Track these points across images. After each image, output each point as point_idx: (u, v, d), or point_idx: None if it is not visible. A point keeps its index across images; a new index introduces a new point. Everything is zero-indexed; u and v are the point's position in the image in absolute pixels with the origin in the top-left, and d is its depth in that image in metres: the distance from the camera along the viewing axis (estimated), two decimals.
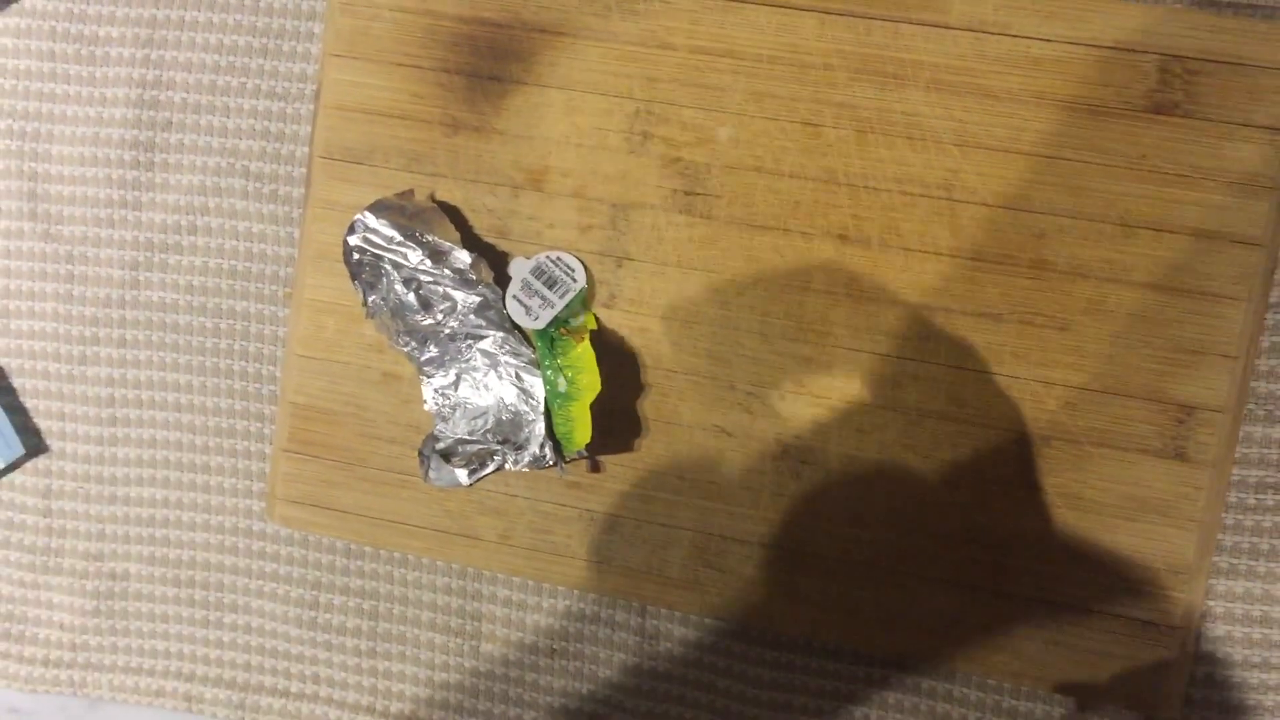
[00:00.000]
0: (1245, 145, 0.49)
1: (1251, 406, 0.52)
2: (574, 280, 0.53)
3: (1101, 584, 0.51)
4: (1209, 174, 0.49)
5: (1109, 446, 0.51)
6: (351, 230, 0.52)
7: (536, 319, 0.53)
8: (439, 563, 0.59)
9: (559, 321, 0.53)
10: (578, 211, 0.54)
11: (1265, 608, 0.53)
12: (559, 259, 0.53)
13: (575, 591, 0.58)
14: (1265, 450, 0.52)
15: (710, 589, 0.54)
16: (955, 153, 0.51)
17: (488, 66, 0.54)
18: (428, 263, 0.52)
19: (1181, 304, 0.50)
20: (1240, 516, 0.53)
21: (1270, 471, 0.52)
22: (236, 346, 0.61)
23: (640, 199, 0.53)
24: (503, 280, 0.54)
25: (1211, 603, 0.53)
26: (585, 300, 0.54)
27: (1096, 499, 0.51)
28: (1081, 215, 0.50)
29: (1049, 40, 0.50)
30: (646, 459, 0.54)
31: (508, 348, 0.52)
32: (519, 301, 0.53)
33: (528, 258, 0.54)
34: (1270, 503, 0.53)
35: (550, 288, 0.53)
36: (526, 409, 0.52)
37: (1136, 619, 0.51)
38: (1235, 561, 0.53)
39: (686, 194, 0.53)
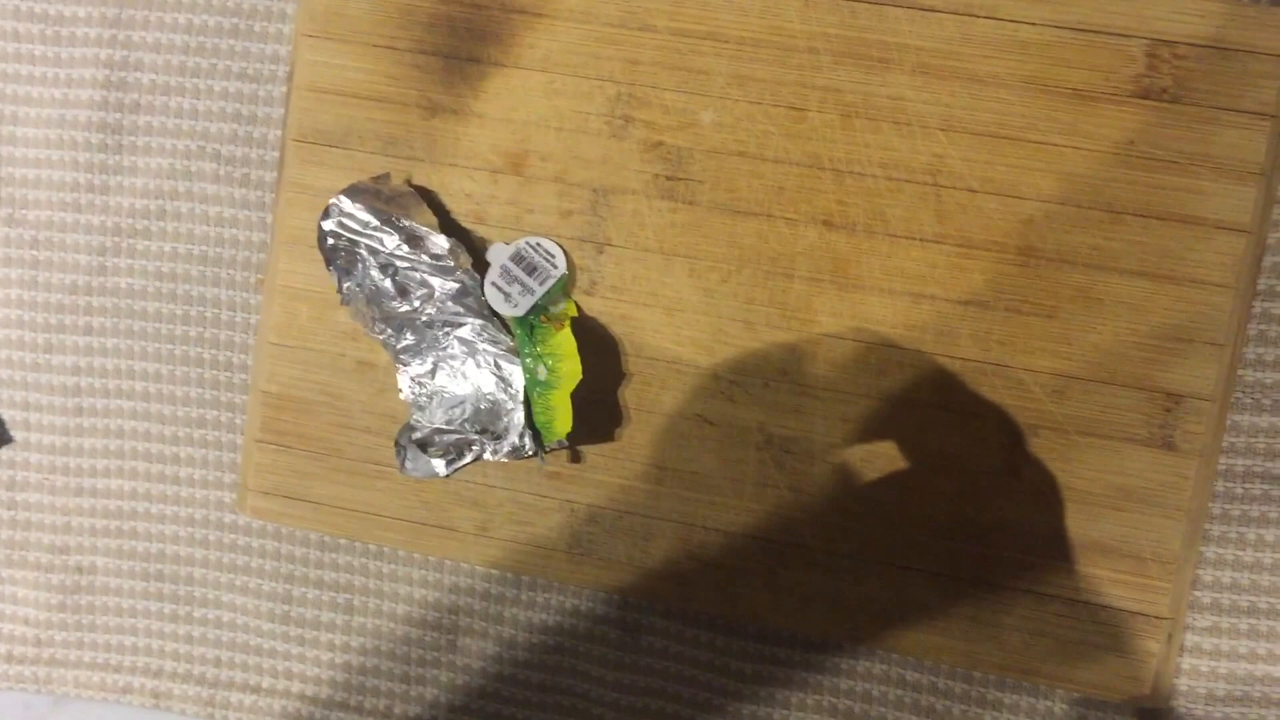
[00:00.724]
0: (1233, 131, 0.49)
1: (1239, 395, 0.52)
2: (554, 266, 0.52)
3: (1088, 574, 0.51)
4: (1197, 160, 0.49)
5: (1096, 435, 0.50)
6: (326, 215, 0.51)
7: (516, 306, 0.52)
8: (415, 555, 0.59)
9: (539, 308, 0.52)
10: (558, 196, 0.53)
11: (1252, 598, 0.53)
12: (539, 245, 0.52)
13: (555, 584, 0.58)
14: (1253, 439, 0.52)
15: (692, 581, 0.53)
16: (941, 138, 0.50)
17: (466, 48, 0.53)
18: (404, 248, 0.51)
19: (1169, 291, 0.49)
20: (1228, 506, 0.53)
21: (1258, 461, 0.52)
22: (207, 334, 0.60)
23: (622, 184, 0.52)
24: (481, 266, 0.53)
25: (1198, 593, 0.53)
26: (566, 287, 0.53)
27: (1083, 488, 0.50)
28: (1068, 201, 0.50)
29: (1035, 24, 0.50)
30: (628, 449, 0.53)
31: (486, 335, 0.51)
32: (498, 288, 0.52)
33: (507, 243, 0.53)
34: (1257, 492, 0.52)
35: (530, 274, 0.52)
36: (505, 398, 0.51)
37: (1123, 609, 0.51)
38: (1222, 551, 0.53)
39: (669, 179, 0.52)
